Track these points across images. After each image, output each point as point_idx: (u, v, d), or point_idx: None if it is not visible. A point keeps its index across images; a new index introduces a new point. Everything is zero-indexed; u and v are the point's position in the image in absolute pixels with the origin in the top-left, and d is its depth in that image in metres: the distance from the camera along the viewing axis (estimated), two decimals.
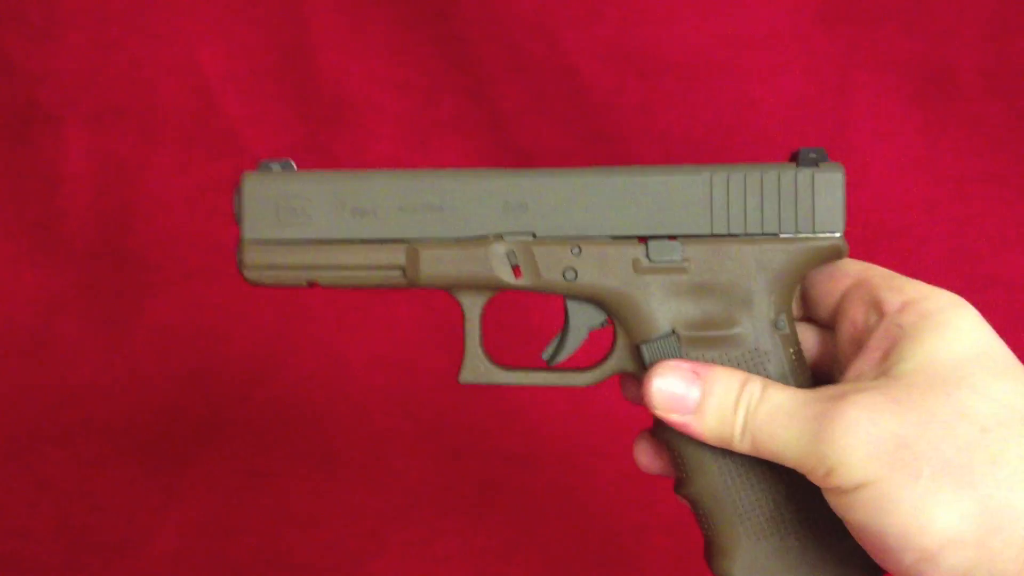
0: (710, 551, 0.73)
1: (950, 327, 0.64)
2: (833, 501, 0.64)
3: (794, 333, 0.72)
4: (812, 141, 1.25)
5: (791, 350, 0.71)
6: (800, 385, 0.71)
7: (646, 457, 0.76)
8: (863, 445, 0.61)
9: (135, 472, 1.33)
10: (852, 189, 0.73)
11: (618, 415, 1.30)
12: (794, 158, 0.72)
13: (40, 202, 1.39)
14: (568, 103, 1.29)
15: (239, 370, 1.37)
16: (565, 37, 1.27)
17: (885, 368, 0.64)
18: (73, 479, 1.33)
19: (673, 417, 0.68)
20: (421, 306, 1.37)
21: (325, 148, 1.33)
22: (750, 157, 0.75)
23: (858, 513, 0.62)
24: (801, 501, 0.70)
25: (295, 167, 0.75)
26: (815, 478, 0.64)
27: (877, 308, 0.68)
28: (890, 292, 0.68)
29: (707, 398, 0.68)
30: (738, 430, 0.66)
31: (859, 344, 0.68)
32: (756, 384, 0.67)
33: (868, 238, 1.26)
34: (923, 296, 0.66)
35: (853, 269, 0.72)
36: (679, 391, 0.68)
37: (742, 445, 0.67)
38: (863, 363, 0.66)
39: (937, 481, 0.60)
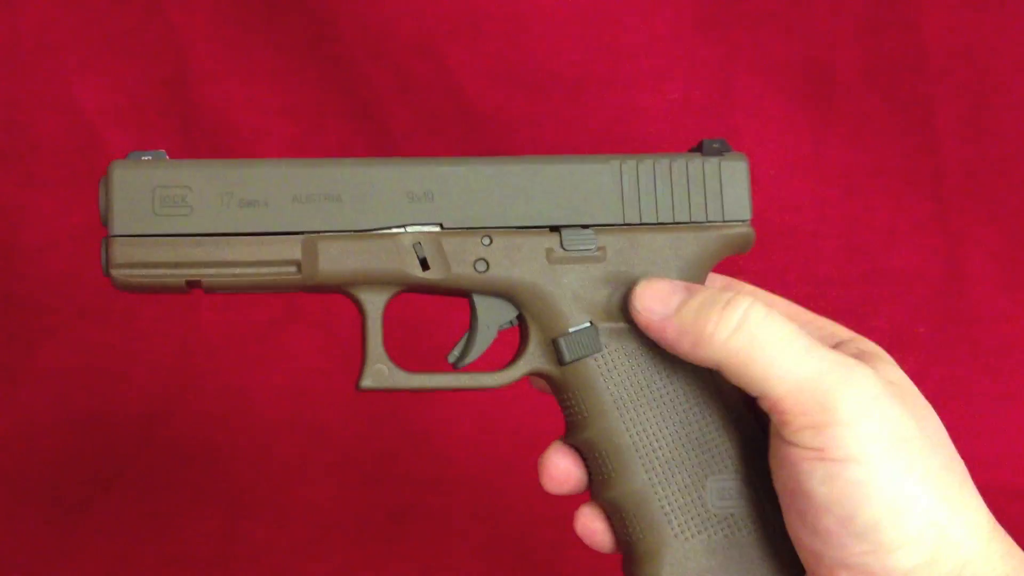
0: (633, 559, 0.70)
1: (884, 359, 0.67)
2: (802, 463, 0.60)
3: None
4: None
5: None
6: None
7: (558, 470, 0.72)
8: (875, 421, 0.60)
9: (33, 522, 1.28)
10: None
11: (528, 433, 1.29)
12: (698, 148, 0.71)
13: None
14: (456, 120, 1.28)
15: (138, 411, 1.34)
16: (449, 55, 1.26)
17: None
18: None
19: (653, 317, 0.66)
20: (322, 334, 1.35)
21: None
22: None
23: (834, 488, 0.59)
24: (728, 495, 0.68)
25: (168, 158, 0.69)
26: (797, 415, 0.60)
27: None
28: (827, 327, 0.70)
29: (694, 296, 0.65)
30: (734, 319, 0.62)
31: None
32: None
33: (761, 239, 1.25)
34: (860, 336, 0.69)
35: (781, 305, 0.72)
36: (665, 290, 0.67)
37: (723, 344, 0.62)
38: None
39: (923, 484, 0.60)
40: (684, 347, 0.64)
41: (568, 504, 1.24)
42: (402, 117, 1.29)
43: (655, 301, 0.66)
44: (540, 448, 0.75)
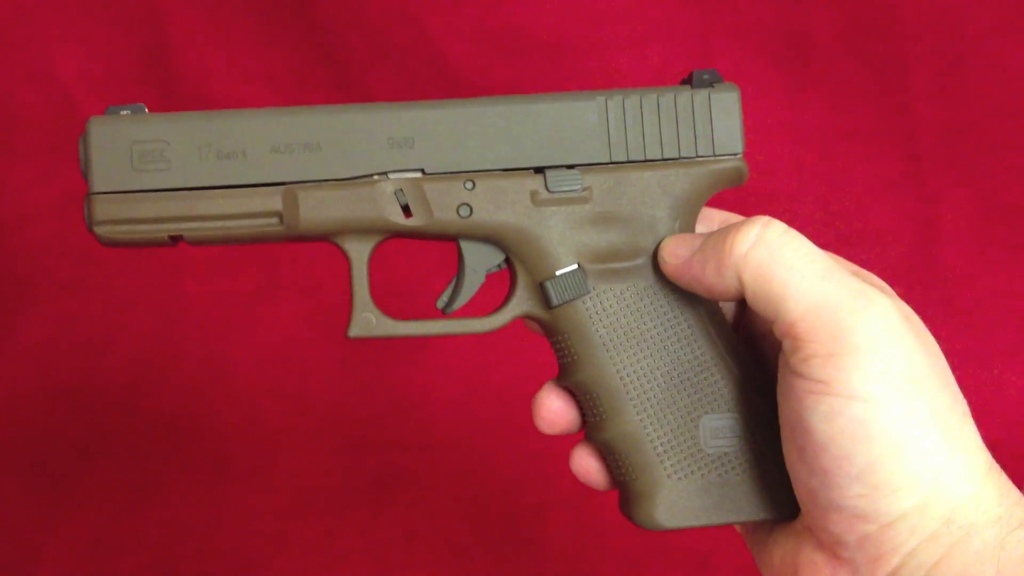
0: (628, 499, 0.70)
1: (890, 295, 0.66)
2: (806, 397, 0.59)
3: None
4: None
5: None
6: (712, 310, 0.70)
7: (550, 411, 0.71)
8: (885, 357, 0.59)
9: (18, 494, 1.28)
10: None
11: (513, 396, 1.30)
12: (688, 81, 0.70)
13: None
14: (438, 86, 1.28)
15: (122, 381, 1.33)
16: (430, 21, 1.26)
17: None
18: None
19: (679, 261, 0.66)
20: (305, 302, 1.35)
21: None
22: None
23: (835, 425, 0.59)
24: (721, 433, 0.68)
25: (147, 111, 0.69)
26: (808, 341, 0.59)
27: None
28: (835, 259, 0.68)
29: (716, 232, 0.65)
30: (752, 233, 0.61)
31: None
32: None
33: (739, 202, 1.27)
34: (865, 271, 0.68)
35: None
36: (689, 237, 0.67)
37: (743, 258, 0.61)
38: None
39: (925, 427, 0.59)
40: (709, 276, 0.63)
41: (552, 469, 1.26)
42: (383, 84, 1.28)
43: (680, 246, 0.67)
44: (526, 412, 0.75)
